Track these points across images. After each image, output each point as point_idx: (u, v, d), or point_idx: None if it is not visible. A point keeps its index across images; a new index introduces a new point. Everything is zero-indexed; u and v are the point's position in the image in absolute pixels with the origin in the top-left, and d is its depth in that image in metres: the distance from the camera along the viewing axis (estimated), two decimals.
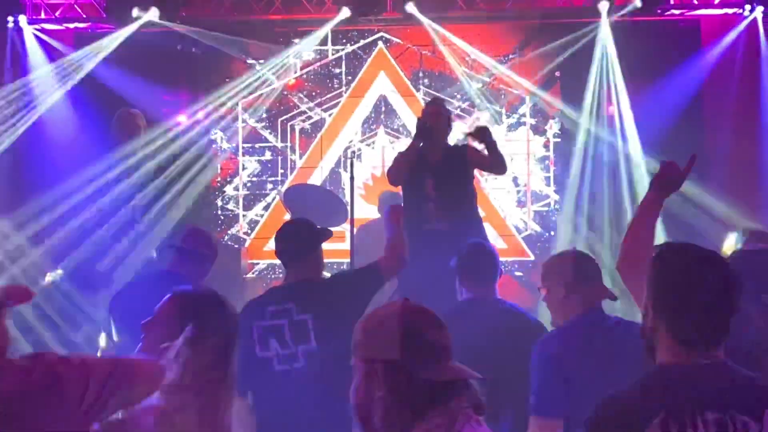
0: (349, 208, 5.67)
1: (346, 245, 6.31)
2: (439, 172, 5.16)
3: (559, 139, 8.38)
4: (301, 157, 8.49)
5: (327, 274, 3.81)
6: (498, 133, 8.06)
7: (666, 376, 1.94)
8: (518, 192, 8.42)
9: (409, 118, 8.40)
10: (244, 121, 8.44)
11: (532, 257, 8.16)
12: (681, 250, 2.01)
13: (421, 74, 8.42)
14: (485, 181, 8.25)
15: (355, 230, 6.11)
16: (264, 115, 8.49)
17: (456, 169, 5.19)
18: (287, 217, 7.09)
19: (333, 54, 8.38)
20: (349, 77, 8.48)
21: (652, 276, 2.02)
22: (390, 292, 4.90)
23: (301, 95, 8.49)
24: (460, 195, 5.14)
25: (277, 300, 3.50)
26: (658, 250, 2.03)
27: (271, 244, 7.09)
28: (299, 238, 3.65)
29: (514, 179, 8.51)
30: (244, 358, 2.60)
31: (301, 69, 8.47)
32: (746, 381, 1.93)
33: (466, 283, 3.81)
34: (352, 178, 5.56)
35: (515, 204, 8.33)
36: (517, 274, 8.17)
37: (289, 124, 8.49)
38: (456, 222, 5.00)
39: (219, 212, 8.37)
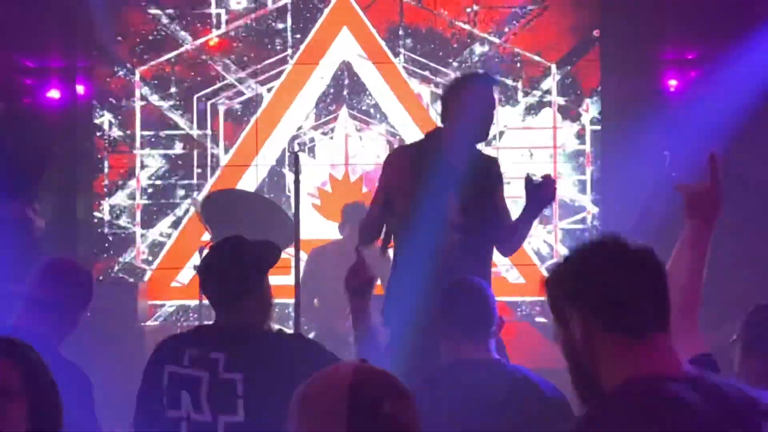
0: (295, 224, 5.34)
1: (289, 279, 5.89)
2: (469, 187, 4.59)
3: (598, 127, 8.05)
4: (227, 151, 8.16)
5: (276, 326, 3.55)
6: (514, 118, 8.05)
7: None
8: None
9: (383, 95, 8.09)
10: (143, 98, 8.12)
11: None
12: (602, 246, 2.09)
13: (401, 32, 8.16)
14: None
15: (304, 257, 6.41)
16: (173, 90, 8.15)
17: (488, 188, 4.67)
18: (206, 237, 6.77)
19: (274, 2, 8.18)
20: (298, 36, 8.19)
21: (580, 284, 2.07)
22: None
23: (228, 61, 8.16)
24: (487, 228, 4.61)
25: (201, 344, 3.27)
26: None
27: (181, 277, 7.64)
28: (233, 268, 3.31)
29: None
30: (145, 411, 3.13)
31: (228, 23, 8.17)
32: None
33: (448, 336, 3.51)
34: (297, 182, 5.20)
35: (536, 219, 7.16)
36: (539, 320, 7.81)
37: (209, 102, 8.16)
38: (477, 266, 4.44)
39: (105, 230, 8.16)
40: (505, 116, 7.84)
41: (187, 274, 7.73)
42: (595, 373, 2.03)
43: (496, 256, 4.75)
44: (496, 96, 4.96)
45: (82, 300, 3.87)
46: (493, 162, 4.82)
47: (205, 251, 3.60)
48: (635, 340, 2.01)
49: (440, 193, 4.52)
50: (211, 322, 3.47)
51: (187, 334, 3.48)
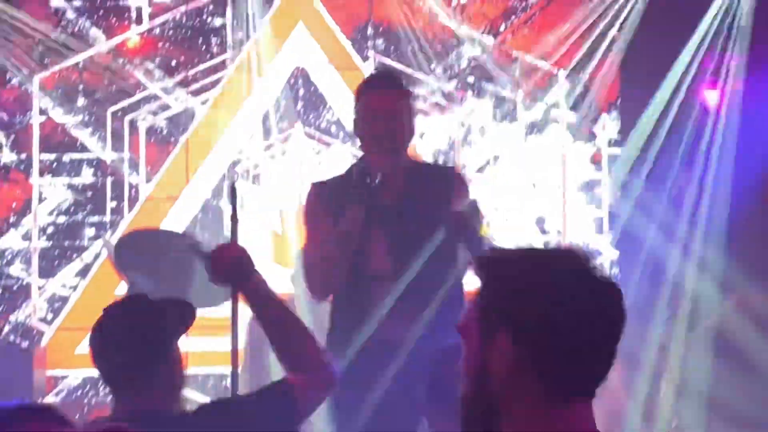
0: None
1: (224, 343, 5.10)
2: (398, 222, 4.57)
3: (618, 150, 7.98)
4: (149, 180, 8.04)
5: (191, 404, 3.62)
6: (512, 139, 8.01)
7: None
8: (547, 244, 8.13)
9: (347, 109, 7.48)
10: (42, 112, 7.92)
11: None
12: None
13: (370, 30, 8.10)
14: (492, 213, 7.93)
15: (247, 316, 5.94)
16: (81, 102, 7.97)
17: (430, 218, 4.56)
18: (122, 290, 6.74)
19: None
20: (240, 35, 8.07)
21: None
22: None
23: (151, 66, 8.01)
24: (438, 269, 4.54)
25: None
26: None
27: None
28: (132, 338, 3.29)
29: (540, 222, 8.19)
30: None
31: (151, 18, 8.03)
32: None
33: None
34: (234, 220, 4.27)
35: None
36: None
37: (127, 118, 7.98)
38: (427, 318, 4.53)
39: None
40: (501, 136, 7.74)
41: None
42: (497, 413, 1.99)
43: None
44: (403, 97, 4.86)
45: None
46: (443, 176, 4.81)
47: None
48: (565, 403, 1.96)
49: (362, 235, 4.59)
50: (107, 411, 3.56)
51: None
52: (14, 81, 7.80)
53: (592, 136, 8.01)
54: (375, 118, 4.57)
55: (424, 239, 4.58)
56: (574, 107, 8.00)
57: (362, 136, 4.67)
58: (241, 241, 5.00)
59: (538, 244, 8.17)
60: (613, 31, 7.87)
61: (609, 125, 8.00)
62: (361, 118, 4.62)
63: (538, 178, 8.05)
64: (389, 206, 4.61)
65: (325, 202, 4.66)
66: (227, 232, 7.20)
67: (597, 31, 7.87)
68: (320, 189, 4.84)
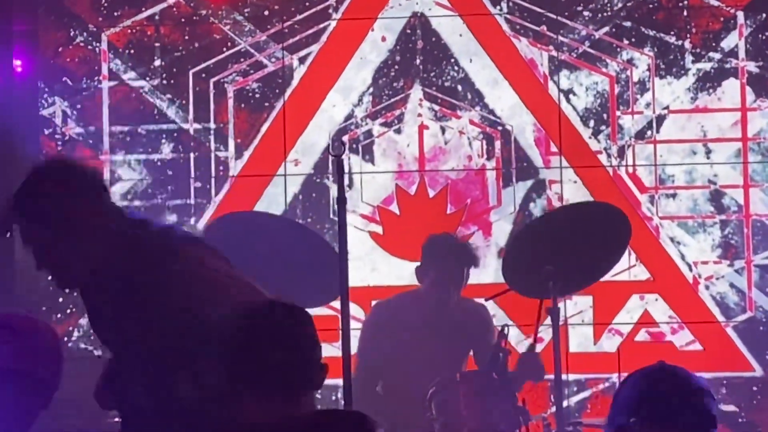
0: (340, 266, 5.15)
1: (335, 349, 5.32)
2: None
3: None
4: (240, 154, 7.73)
5: None
6: (679, 96, 7.48)
7: None
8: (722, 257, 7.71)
9: (476, 64, 7.60)
10: (113, 75, 7.63)
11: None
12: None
13: None
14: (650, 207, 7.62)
15: (360, 315, 6.95)
16: (158, 63, 7.66)
17: None
18: None
19: None
20: None
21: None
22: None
23: (240, 18, 7.69)
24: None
25: None
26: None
27: None
28: (299, 347, 3.45)
29: (715, 195, 7.62)
30: None
31: None
32: None
33: None
34: (342, 200, 4.83)
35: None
36: (727, 409, 7.50)
37: (212, 80, 7.67)
38: None
39: None
40: (666, 93, 7.26)
41: None
42: None
43: (657, 308, 6.45)
44: None
45: (52, 375, 3.78)
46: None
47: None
48: None
49: None
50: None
51: None
52: (79, 39, 7.50)
53: None
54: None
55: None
56: (755, 56, 7.47)
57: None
58: (350, 228, 5.46)
59: (712, 220, 7.89)
60: None
61: None
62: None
63: (712, 141, 7.54)
64: None
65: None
66: (333, 214, 7.63)
67: None
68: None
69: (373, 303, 6.80)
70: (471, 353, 6.20)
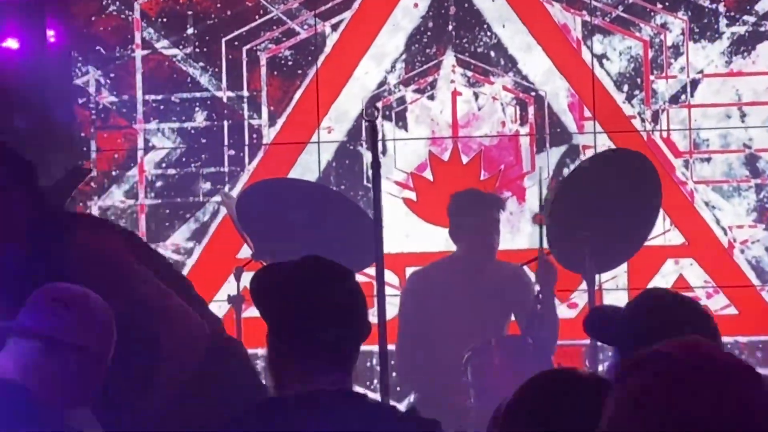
0: (375, 232, 5.20)
1: (370, 315, 4.71)
2: None
3: None
4: (273, 122, 7.81)
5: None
6: (714, 60, 7.57)
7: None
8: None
9: (510, 30, 7.64)
10: (146, 44, 7.74)
11: None
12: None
13: None
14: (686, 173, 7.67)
15: (394, 281, 7.14)
16: (191, 31, 7.75)
17: None
18: (245, 253, 6.72)
19: None
20: None
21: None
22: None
23: None
24: None
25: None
26: None
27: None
28: (349, 299, 3.44)
29: (751, 159, 7.66)
30: None
31: None
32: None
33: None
34: (377, 166, 4.96)
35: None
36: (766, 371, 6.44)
37: (245, 48, 7.79)
38: None
39: None
40: (700, 57, 7.26)
41: (217, 310, 7.08)
42: None
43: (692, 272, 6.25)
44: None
45: (101, 344, 3.96)
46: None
47: (249, 274, 4.21)
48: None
49: None
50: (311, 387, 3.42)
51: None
52: (112, 8, 7.50)
53: None
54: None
55: None
56: None
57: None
58: (383, 195, 5.51)
59: (747, 184, 7.90)
60: None
61: None
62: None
63: (747, 105, 7.48)
64: None
65: None
66: (367, 181, 7.69)
67: None
68: None
69: (410, 271, 6.88)
70: (513, 317, 6.16)
